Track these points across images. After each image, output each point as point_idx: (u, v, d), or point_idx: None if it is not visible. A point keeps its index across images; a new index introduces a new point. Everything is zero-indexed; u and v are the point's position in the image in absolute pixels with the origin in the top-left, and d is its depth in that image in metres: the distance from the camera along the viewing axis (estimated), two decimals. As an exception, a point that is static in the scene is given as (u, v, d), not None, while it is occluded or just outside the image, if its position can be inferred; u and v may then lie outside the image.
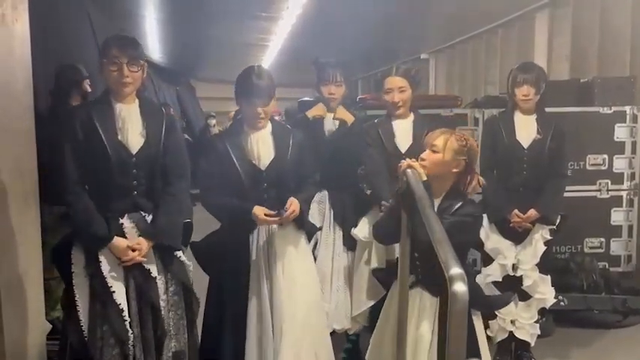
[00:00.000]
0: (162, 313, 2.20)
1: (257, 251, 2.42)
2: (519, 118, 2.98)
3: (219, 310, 2.44)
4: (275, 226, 2.43)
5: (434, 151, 2.16)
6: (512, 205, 2.91)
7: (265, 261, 2.42)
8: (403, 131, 2.83)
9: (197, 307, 2.37)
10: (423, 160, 2.16)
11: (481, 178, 2.22)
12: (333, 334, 2.87)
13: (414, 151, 2.72)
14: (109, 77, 2.16)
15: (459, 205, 2.11)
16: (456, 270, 1.23)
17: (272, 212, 2.33)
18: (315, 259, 2.78)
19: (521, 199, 2.93)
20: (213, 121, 9.53)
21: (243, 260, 2.42)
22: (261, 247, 2.43)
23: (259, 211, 2.32)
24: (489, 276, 2.95)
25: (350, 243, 2.89)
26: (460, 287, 1.19)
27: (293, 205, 2.36)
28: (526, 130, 2.95)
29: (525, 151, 2.93)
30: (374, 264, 2.77)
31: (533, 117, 2.97)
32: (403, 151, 2.80)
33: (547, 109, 3.66)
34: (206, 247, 2.46)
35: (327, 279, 2.84)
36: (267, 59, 11.32)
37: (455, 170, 2.15)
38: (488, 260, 3.00)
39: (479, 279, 2.91)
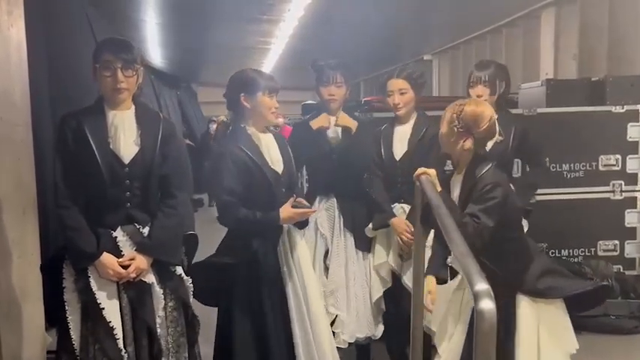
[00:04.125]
0: (160, 330, 2.09)
1: (281, 260, 2.38)
2: None
3: (241, 327, 2.31)
4: (295, 233, 2.42)
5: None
6: None
7: (288, 269, 2.38)
8: (401, 138, 2.81)
9: (197, 325, 2.25)
10: None
11: (469, 141, 2.14)
12: (354, 343, 2.83)
13: (408, 160, 2.73)
14: (102, 83, 2.06)
15: (480, 173, 2.08)
16: (481, 286, 1.14)
17: (306, 204, 2.37)
18: (327, 268, 2.74)
19: None
20: (214, 126, 9.46)
21: (272, 270, 2.34)
22: (284, 256, 2.39)
23: (286, 209, 2.29)
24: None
25: (363, 246, 2.81)
26: (487, 304, 1.10)
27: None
28: None
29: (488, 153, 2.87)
30: (377, 260, 2.78)
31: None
32: (397, 158, 2.78)
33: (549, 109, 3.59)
34: (211, 270, 2.32)
35: (342, 286, 2.75)
36: (269, 62, 11.28)
37: (453, 140, 2.11)
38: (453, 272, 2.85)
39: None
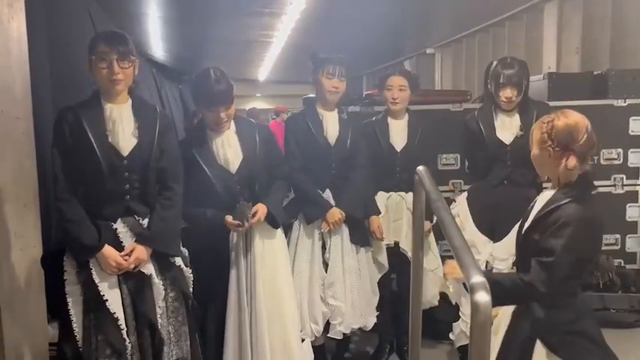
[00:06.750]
0: (161, 320, 2.12)
1: (236, 249, 2.44)
2: (500, 116, 2.90)
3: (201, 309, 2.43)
4: (256, 233, 2.47)
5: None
6: (493, 199, 2.82)
7: (244, 257, 2.44)
8: (398, 130, 3.00)
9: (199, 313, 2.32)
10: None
11: (572, 159, 1.84)
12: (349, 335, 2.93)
13: (409, 151, 2.98)
14: (98, 75, 2.07)
15: (558, 204, 1.82)
16: (477, 278, 1.14)
17: (236, 222, 2.38)
18: (325, 261, 2.80)
19: (503, 193, 2.83)
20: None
21: (223, 257, 2.43)
22: (241, 245, 2.45)
23: (229, 220, 2.38)
24: None
25: (357, 239, 2.85)
26: (482, 297, 1.11)
27: (259, 212, 2.40)
28: (509, 126, 2.88)
29: (508, 147, 2.85)
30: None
31: (515, 113, 2.88)
32: (398, 149, 2.99)
33: (552, 103, 3.59)
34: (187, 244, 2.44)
35: (340, 278, 2.81)
36: (271, 56, 11.26)
37: (550, 161, 1.87)
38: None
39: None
